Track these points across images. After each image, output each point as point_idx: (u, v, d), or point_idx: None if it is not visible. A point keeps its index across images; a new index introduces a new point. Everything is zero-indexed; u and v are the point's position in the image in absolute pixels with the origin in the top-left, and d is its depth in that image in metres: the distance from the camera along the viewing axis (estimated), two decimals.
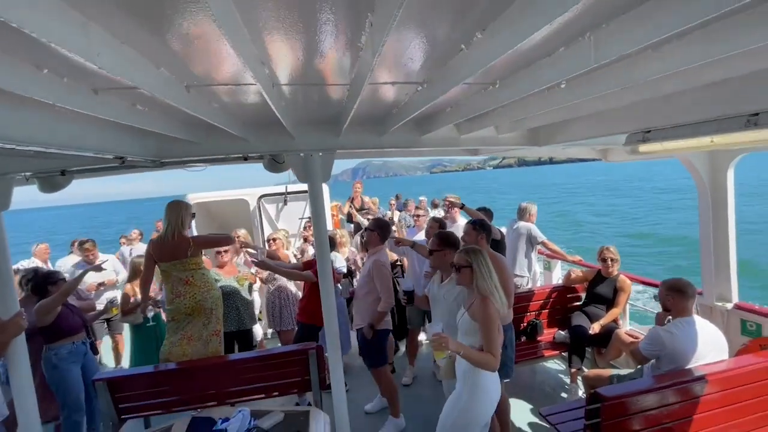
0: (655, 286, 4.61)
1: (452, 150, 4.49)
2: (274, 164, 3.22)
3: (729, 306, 3.96)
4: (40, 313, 3.59)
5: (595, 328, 4.38)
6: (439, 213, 8.18)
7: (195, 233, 5.15)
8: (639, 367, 3.37)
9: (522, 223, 5.93)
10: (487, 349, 2.40)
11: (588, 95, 1.88)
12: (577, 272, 5.15)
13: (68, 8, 0.95)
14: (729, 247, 3.88)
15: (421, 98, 2.09)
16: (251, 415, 3.23)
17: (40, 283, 3.81)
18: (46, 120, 1.83)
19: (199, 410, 3.54)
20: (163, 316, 4.96)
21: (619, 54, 1.21)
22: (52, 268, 4.97)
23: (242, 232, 5.17)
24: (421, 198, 9.64)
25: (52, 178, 2.96)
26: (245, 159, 3.13)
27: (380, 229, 3.95)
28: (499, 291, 2.54)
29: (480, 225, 3.59)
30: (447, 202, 5.75)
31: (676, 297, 3.06)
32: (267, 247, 5.27)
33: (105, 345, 5.92)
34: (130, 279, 4.80)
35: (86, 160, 2.61)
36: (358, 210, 8.07)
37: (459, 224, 5.79)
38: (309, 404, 3.86)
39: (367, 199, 8.53)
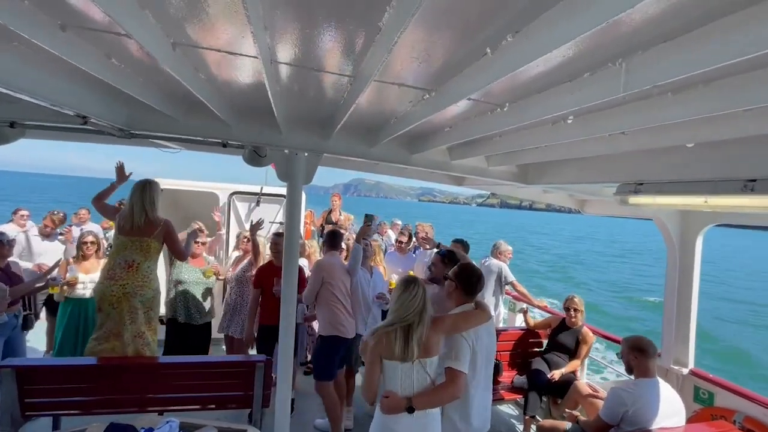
0: (617, 341, 4.65)
1: (439, 174, 4.43)
2: (255, 157, 3.01)
3: (684, 371, 3.99)
4: None
5: (555, 375, 4.32)
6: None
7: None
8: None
9: (494, 261, 5.90)
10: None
11: (595, 133, 1.83)
12: (532, 319, 5.23)
13: None
14: (691, 312, 3.95)
15: (425, 109, 1.98)
16: (180, 427, 2.88)
17: None
18: (3, 52, 1.58)
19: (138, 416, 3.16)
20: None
21: (653, 83, 1.14)
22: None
23: (199, 225, 4.89)
24: (396, 221, 9.43)
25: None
26: (224, 146, 2.91)
27: (328, 239, 4.29)
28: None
29: (449, 257, 3.49)
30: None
31: (639, 356, 3.03)
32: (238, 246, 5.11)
33: (38, 327, 5.34)
34: (75, 256, 4.59)
35: (42, 113, 2.31)
36: (331, 224, 7.84)
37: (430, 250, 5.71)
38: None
39: (343, 215, 8.31)
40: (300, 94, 2.23)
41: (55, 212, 5.97)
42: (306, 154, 2.96)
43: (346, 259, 4.57)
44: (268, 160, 3.09)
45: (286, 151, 2.92)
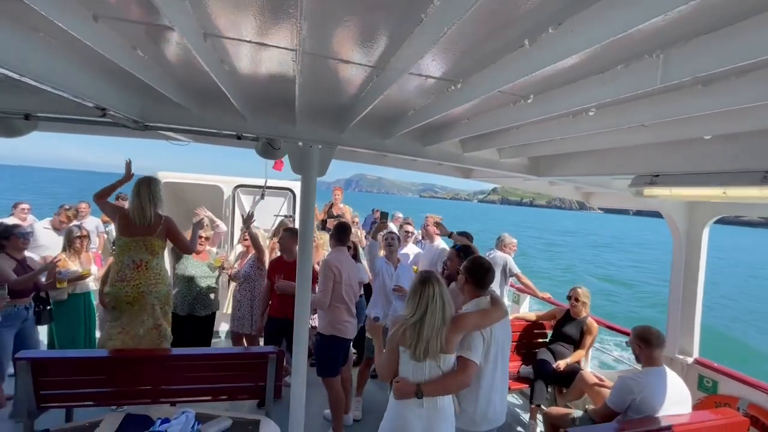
0: (622, 332, 4.72)
1: (447, 167, 4.45)
2: (269, 149, 3.00)
3: (689, 360, 4.06)
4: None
5: (560, 364, 4.38)
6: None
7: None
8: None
9: (499, 253, 5.92)
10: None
11: (617, 125, 1.85)
12: (530, 315, 5.34)
13: None
14: (696, 303, 4.01)
15: (449, 101, 1.98)
16: (195, 418, 2.91)
17: None
18: (24, 41, 1.56)
19: (152, 407, 3.18)
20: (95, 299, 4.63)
21: (693, 75, 1.16)
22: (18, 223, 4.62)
23: (201, 214, 4.90)
24: (397, 214, 9.46)
25: (12, 120, 2.59)
26: (239, 138, 2.89)
27: (337, 233, 4.02)
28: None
29: (465, 252, 3.53)
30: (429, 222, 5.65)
31: (642, 345, 3.09)
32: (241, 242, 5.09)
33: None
34: (64, 249, 4.50)
35: (59, 105, 2.29)
36: (333, 217, 7.83)
37: (437, 244, 5.71)
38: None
39: (343, 206, 8.29)
40: (320, 85, 2.21)
41: (67, 207, 5.96)
42: (320, 146, 2.96)
43: (354, 256, 4.58)
44: (282, 152, 3.09)
45: (300, 143, 2.91)
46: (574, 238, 68.72)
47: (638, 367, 3.28)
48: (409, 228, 5.73)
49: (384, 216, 4.35)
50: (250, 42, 1.57)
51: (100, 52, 1.50)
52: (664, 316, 4.33)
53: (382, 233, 4.77)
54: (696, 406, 3.73)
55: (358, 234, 7.15)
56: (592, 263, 38.25)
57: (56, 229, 5.79)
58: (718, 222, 3.97)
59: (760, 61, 1.11)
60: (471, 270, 2.69)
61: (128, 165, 3.55)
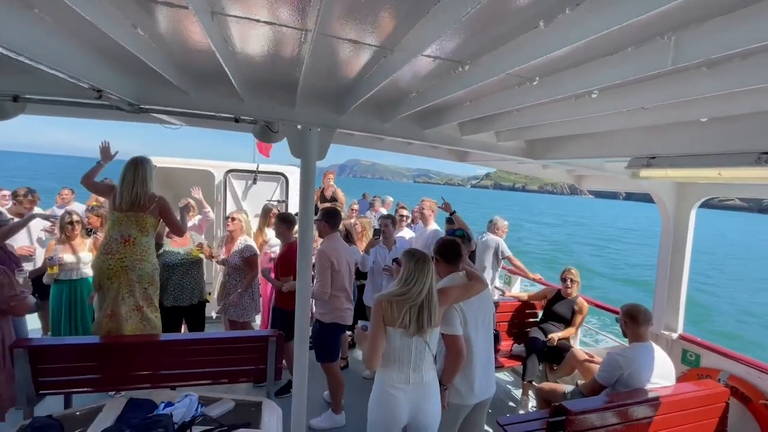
0: (611, 310, 4.90)
1: (442, 150, 4.46)
2: (267, 132, 2.95)
3: (674, 336, 4.25)
4: None
5: (553, 337, 4.53)
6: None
7: None
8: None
9: (491, 236, 6.03)
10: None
11: (619, 108, 1.88)
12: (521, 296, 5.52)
13: None
14: (682, 281, 4.17)
15: (454, 83, 1.98)
16: (198, 401, 2.93)
17: None
18: (19, 18, 1.50)
19: (153, 392, 3.18)
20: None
21: (706, 57, 1.18)
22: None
23: (188, 201, 4.86)
24: (387, 198, 9.48)
25: (0, 102, 2.49)
26: (236, 121, 2.84)
27: (329, 218, 3.93)
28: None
29: (468, 238, 3.65)
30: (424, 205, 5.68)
31: (629, 322, 3.23)
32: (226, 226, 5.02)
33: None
34: (58, 236, 4.43)
35: (52, 86, 2.21)
36: (327, 201, 7.80)
37: (431, 228, 5.75)
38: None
39: (331, 184, 8.20)
40: (325, 67, 2.17)
41: (23, 192, 5.63)
42: (319, 129, 2.93)
43: (346, 238, 4.63)
44: (280, 136, 3.05)
45: (299, 126, 2.88)
46: (545, 218, 76.09)
47: (625, 343, 3.42)
48: (404, 212, 5.75)
49: (377, 233, 4.86)
50: (258, 21, 1.53)
51: (102, 29, 1.44)
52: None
53: (373, 248, 4.92)
54: (680, 379, 3.92)
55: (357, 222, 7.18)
56: (549, 236, 44.83)
57: (19, 215, 5.58)
58: (702, 206, 4.12)
59: (765, 45, 1.14)
60: (440, 250, 2.88)
61: (106, 148, 3.44)
